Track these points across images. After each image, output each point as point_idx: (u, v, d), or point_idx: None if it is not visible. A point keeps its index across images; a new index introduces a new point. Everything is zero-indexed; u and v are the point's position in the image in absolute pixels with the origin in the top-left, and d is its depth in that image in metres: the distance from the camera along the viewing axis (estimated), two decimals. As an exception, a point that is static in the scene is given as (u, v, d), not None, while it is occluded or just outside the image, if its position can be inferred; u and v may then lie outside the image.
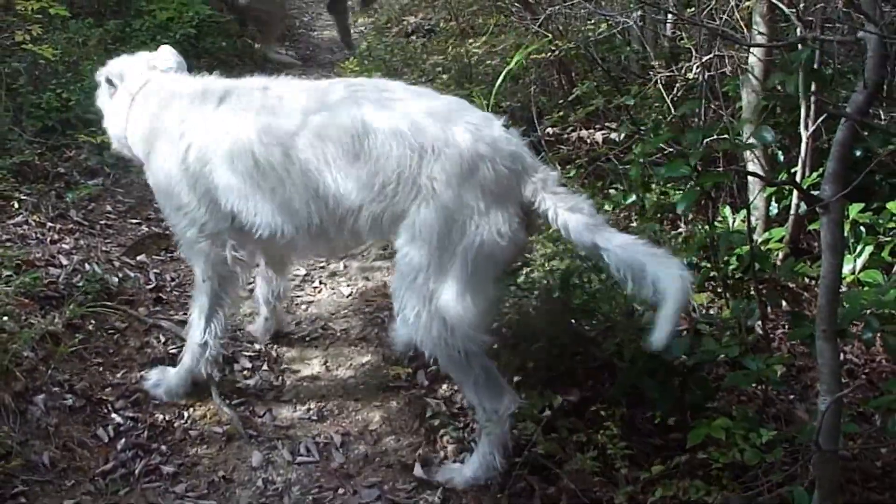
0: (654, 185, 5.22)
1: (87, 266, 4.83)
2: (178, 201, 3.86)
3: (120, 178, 6.09)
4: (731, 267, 4.46)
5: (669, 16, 6.50)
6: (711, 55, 5.38)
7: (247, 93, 3.82)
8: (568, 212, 3.40)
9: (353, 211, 3.58)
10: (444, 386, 4.25)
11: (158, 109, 3.97)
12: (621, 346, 3.95)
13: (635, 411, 3.84)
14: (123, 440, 3.81)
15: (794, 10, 4.48)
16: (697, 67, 5.43)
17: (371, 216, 3.56)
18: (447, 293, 3.43)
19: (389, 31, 9.73)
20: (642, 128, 5.48)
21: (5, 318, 4.00)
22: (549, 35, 5.92)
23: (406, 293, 3.50)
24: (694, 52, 5.73)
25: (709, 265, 4.41)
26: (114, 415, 3.94)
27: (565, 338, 4.08)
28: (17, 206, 5.24)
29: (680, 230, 5.22)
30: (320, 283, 5.27)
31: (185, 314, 4.62)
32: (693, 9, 5.76)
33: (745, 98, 4.96)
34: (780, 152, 5.31)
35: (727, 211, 5.03)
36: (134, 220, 5.76)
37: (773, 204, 5.07)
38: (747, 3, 5.26)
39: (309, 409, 4.17)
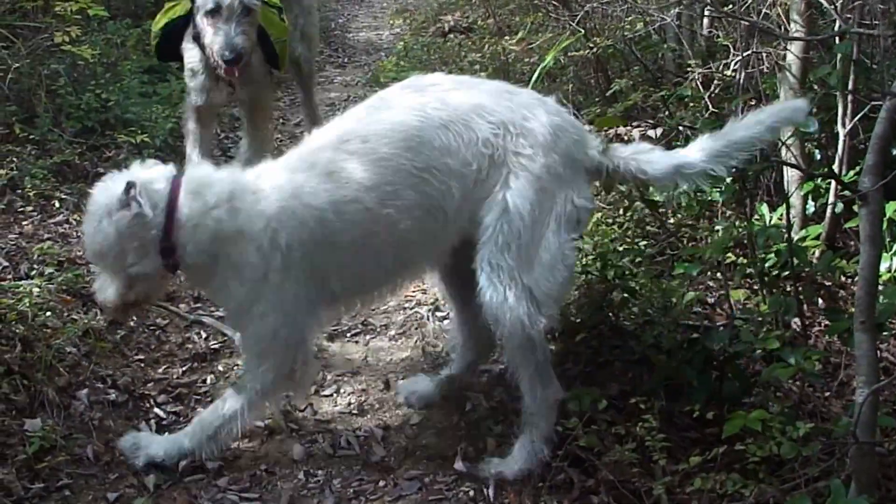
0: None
1: (127, 263, 4.86)
2: None
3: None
4: (767, 263, 4.43)
5: (706, 12, 6.46)
6: (749, 52, 5.33)
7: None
8: (639, 155, 3.51)
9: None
10: (483, 379, 4.24)
11: None
12: (659, 338, 3.94)
13: (672, 405, 3.80)
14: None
15: (833, 6, 4.43)
16: (736, 64, 5.38)
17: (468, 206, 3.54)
18: (538, 266, 3.45)
19: (426, 31, 9.72)
20: (682, 125, 5.44)
21: (48, 314, 4.03)
22: (583, 31, 5.88)
23: (494, 270, 3.47)
24: (732, 49, 5.69)
25: (745, 261, 4.37)
26: (156, 409, 3.96)
27: (604, 330, 4.07)
28: (57, 205, 5.29)
29: (716, 227, 5.18)
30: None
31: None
32: (731, 6, 5.70)
33: (782, 95, 4.91)
34: (816, 150, 5.27)
35: (764, 208, 5.01)
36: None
37: (810, 202, 5.03)
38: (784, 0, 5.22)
39: (349, 404, 4.17)
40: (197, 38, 5.25)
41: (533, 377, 3.58)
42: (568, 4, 6.78)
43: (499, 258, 3.45)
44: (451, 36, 9.05)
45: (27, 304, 3.97)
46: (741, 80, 5.41)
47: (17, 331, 3.87)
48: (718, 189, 4.91)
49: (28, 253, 4.66)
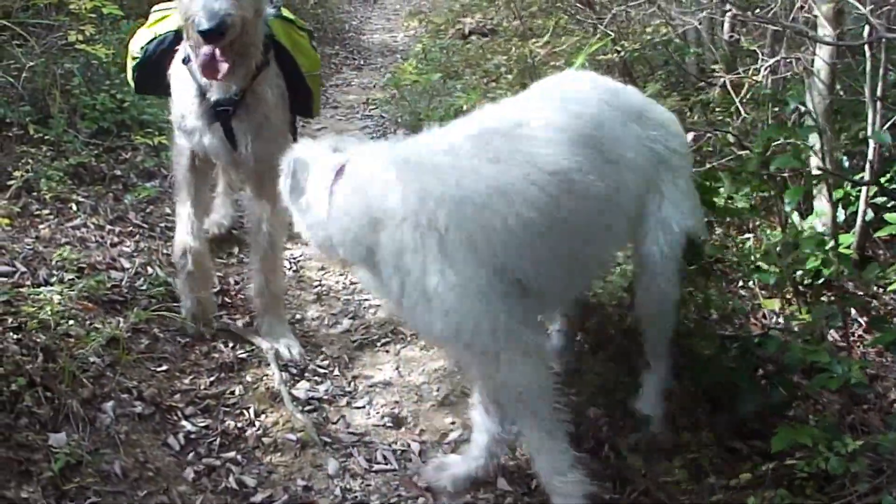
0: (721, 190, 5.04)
1: (149, 269, 4.70)
2: None
3: (177, 180, 5.93)
4: (800, 272, 4.30)
5: (727, 17, 6.33)
6: (778, 58, 5.19)
7: None
8: None
9: None
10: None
11: None
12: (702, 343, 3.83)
13: (718, 418, 3.69)
14: (195, 449, 3.66)
15: (864, 11, 4.28)
16: (765, 70, 5.24)
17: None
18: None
19: (445, 34, 9.53)
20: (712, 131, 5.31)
21: (71, 323, 3.86)
22: (612, 35, 5.74)
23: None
24: (760, 54, 5.54)
25: (778, 269, 4.22)
26: (184, 422, 3.78)
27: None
28: (75, 208, 5.11)
29: (747, 236, 5.03)
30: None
31: (251, 318, 4.51)
32: (758, 10, 5.56)
33: (810, 102, 4.76)
34: (844, 157, 5.13)
35: (795, 217, 4.87)
36: (193, 223, 5.59)
37: (840, 210, 4.88)
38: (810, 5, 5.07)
39: (383, 416, 4.01)
40: (188, 62, 4.00)
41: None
42: (593, 7, 6.64)
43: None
44: (475, 38, 8.87)
45: (49, 313, 3.79)
46: (768, 86, 5.28)
47: (39, 340, 3.69)
48: (748, 196, 4.80)
49: (46, 258, 4.48)
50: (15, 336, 3.68)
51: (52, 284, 4.23)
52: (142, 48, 4.33)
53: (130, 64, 4.45)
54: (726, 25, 6.48)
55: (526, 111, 3.27)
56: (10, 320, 3.77)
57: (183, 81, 4.05)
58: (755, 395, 3.58)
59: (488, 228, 2.96)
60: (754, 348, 3.78)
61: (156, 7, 4.49)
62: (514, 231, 2.99)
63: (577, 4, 6.97)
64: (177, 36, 4.13)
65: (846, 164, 5.18)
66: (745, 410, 3.57)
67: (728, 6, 6.18)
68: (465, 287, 2.94)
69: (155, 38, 4.29)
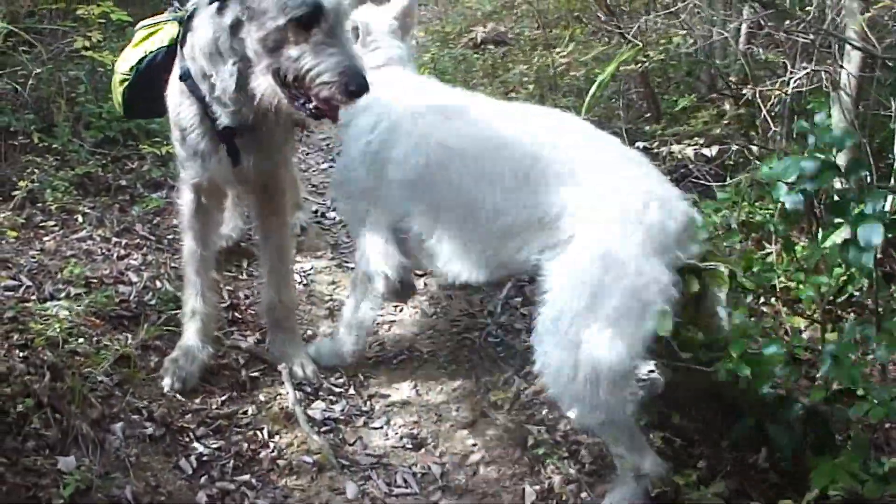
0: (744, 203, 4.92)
1: (157, 283, 4.57)
2: None
3: (184, 191, 5.79)
4: (824, 289, 4.16)
5: (744, 28, 6.21)
6: (808, 69, 5.06)
7: None
8: None
9: None
10: (545, 411, 3.94)
11: None
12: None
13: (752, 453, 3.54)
14: (208, 472, 3.52)
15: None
16: (795, 82, 5.12)
17: None
18: None
19: (455, 43, 9.37)
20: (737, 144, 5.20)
21: (80, 341, 3.71)
22: (640, 44, 5.61)
23: None
24: (788, 67, 5.41)
25: (802, 285, 4.08)
26: (196, 444, 3.63)
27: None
28: (80, 220, 4.98)
29: (768, 250, 4.89)
30: (402, 301, 4.96)
31: (263, 334, 4.38)
32: (788, 21, 5.43)
33: (835, 116, 4.64)
34: (866, 172, 5.00)
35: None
36: (201, 235, 5.46)
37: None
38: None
39: (402, 437, 3.88)
40: (187, 77, 3.68)
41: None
42: (614, 15, 6.52)
43: None
44: (491, 47, 8.71)
45: (57, 330, 3.65)
46: (787, 101, 5.16)
47: (46, 358, 3.55)
48: (770, 211, 4.67)
49: (51, 271, 4.35)
50: (21, 354, 3.55)
51: (58, 299, 4.10)
52: (131, 68, 4.05)
53: (119, 87, 4.15)
54: (742, 37, 6.35)
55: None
56: (16, 337, 3.64)
57: (184, 100, 3.76)
58: (790, 445, 3.43)
59: None
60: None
61: (140, 25, 4.19)
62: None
63: (598, 14, 6.84)
64: (169, 52, 3.91)
65: (869, 179, 5.05)
66: (781, 453, 3.42)
67: (746, 17, 6.06)
68: None
69: (145, 55, 4.02)
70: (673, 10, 6.29)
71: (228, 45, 3.47)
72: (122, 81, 4.08)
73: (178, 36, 3.81)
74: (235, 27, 3.42)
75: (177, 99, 3.79)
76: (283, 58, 3.33)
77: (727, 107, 6.15)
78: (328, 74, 3.27)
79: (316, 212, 6.03)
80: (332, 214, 5.91)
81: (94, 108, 5.90)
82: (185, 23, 3.72)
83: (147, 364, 3.94)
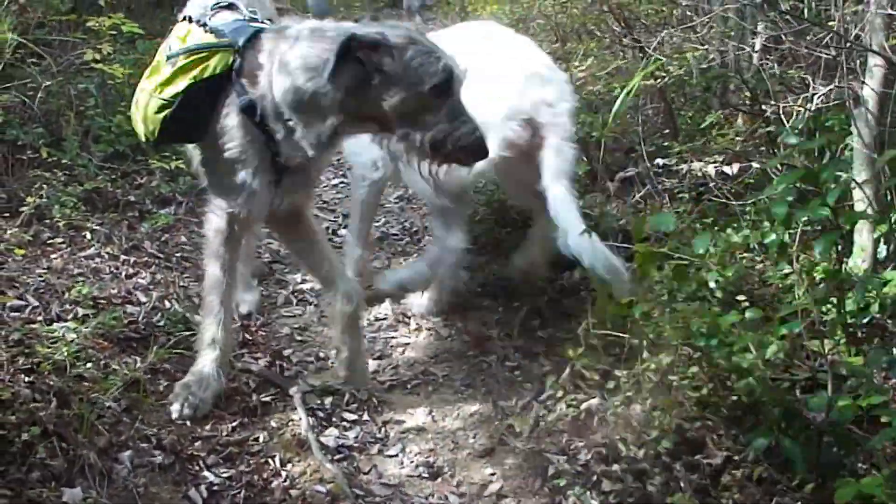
0: (764, 223, 4.80)
1: (166, 303, 4.47)
2: None
3: (194, 207, 5.68)
4: (848, 311, 4.05)
5: (758, 43, 6.11)
6: (832, 86, 4.95)
7: None
8: None
9: None
10: (566, 438, 3.82)
11: None
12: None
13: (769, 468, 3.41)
14: (219, 502, 3.40)
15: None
16: (819, 98, 5.01)
17: None
18: None
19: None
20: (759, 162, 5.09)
21: (88, 365, 3.60)
22: (662, 59, 5.51)
23: None
24: (810, 82, 5.30)
25: (824, 309, 3.96)
26: (206, 473, 3.51)
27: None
28: (88, 237, 4.89)
29: (788, 270, 4.77)
30: (416, 324, 4.84)
31: (273, 357, 4.28)
32: (809, 36, 5.33)
33: (856, 132, 4.53)
34: (887, 192, 4.89)
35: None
36: (210, 253, 5.35)
37: (882, 246, 4.63)
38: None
39: (418, 466, 3.76)
40: (251, 111, 3.59)
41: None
42: (631, 29, 6.41)
43: None
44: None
45: (64, 353, 3.55)
46: (808, 117, 5.05)
47: (52, 383, 3.46)
48: (790, 232, 4.55)
49: (58, 290, 4.26)
50: (27, 379, 3.45)
51: (65, 320, 4.01)
52: (175, 95, 3.70)
53: (156, 113, 3.76)
54: (757, 53, 6.23)
55: None
56: (21, 361, 3.54)
57: (243, 134, 3.66)
58: (804, 460, 3.34)
59: None
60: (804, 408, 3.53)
61: (178, 47, 3.80)
62: None
63: (613, 28, 6.73)
64: (221, 80, 3.68)
65: (889, 197, 4.94)
66: (797, 470, 3.33)
67: (766, 31, 5.97)
68: None
69: (194, 83, 3.68)
70: (690, 24, 6.21)
71: (335, 103, 3.45)
72: (162, 108, 3.74)
73: (232, 64, 3.67)
74: (354, 88, 3.40)
75: (235, 132, 3.67)
76: (418, 122, 3.41)
77: (740, 122, 6.04)
78: (463, 140, 3.41)
79: (328, 229, 5.93)
80: (343, 232, 5.79)
81: (103, 121, 5.82)
82: (244, 52, 3.65)
83: (156, 388, 3.84)
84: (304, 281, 5.23)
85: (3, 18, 5.51)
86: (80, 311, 4.10)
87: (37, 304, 4.10)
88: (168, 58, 3.76)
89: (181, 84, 3.69)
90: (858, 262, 4.49)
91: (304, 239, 4.14)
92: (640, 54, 6.15)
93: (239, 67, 3.64)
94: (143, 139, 3.99)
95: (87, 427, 3.34)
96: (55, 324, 3.94)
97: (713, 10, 6.17)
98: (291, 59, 3.47)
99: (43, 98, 5.58)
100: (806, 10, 5.57)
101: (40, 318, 4.00)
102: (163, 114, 3.73)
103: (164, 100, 3.71)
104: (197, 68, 3.67)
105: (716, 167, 5.32)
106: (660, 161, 5.35)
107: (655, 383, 3.58)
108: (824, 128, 4.90)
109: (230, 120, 3.67)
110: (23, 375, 3.45)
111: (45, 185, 5.06)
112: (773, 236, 4.04)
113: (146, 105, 3.80)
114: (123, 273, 4.70)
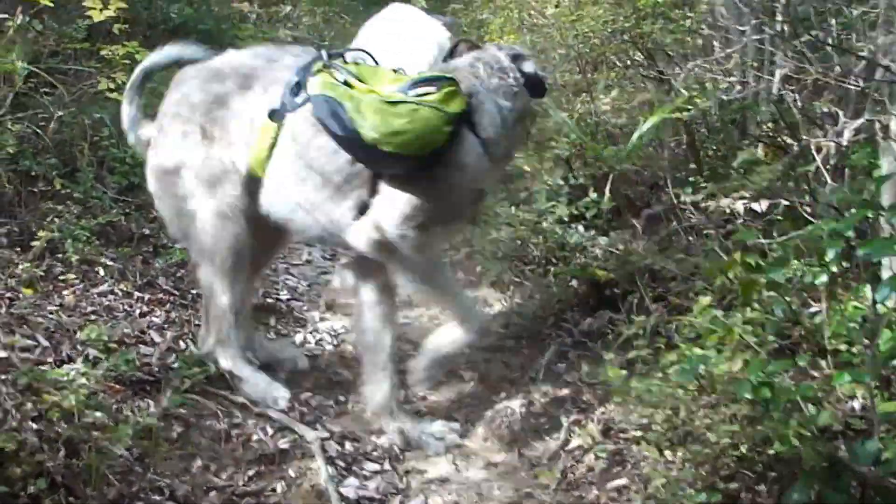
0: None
1: (181, 343, 4.33)
2: None
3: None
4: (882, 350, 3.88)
5: (777, 75, 5.96)
6: (863, 119, 4.81)
7: None
8: None
9: None
10: (595, 491, 3.66)
11: None
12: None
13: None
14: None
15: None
16: (851, 132, 4.86)
17: None
18: None
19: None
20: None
21: (98, 414, 3.44)
22: (687, 94, 5.37)
23: None
24: (841, 115, 5.15)
25: (853, 350, 3.79)
26: (221, 527, 3.37)
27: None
28: (101, 272, 4.76)
29: (815, 309, 4.60)
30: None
31: (292, 400, 4.14)
32: (839, 68, 5.19)
33: (885, 167, 4.38)
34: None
35: (867, 289, 4.43)
36: (225, 290, 5.20)
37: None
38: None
39: (441, 520, 3.60)
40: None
41: None
42: (654, 60, 6.29)
43: None
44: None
45: (73, 401, 3.39)
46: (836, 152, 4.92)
47: (61, 431, 3.30)
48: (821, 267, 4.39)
49: (70, 330, 4.12)
50: (35, 426, 3.28)
51: (75, 362, 3.86)
52: (456, 115, 3.67)
53: (443, 126, 3.63)
54: (775, 86, 6.08)
55: None
56: (29, 406, 3.38)
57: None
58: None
59: None
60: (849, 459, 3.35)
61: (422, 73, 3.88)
62: None
63: (635, 58, 6.60)
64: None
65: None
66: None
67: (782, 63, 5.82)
68: None
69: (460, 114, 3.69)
70: (713, 57, 6.08)
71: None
72: (448, 122, 3.64)
73: (466, 111, 3.70)
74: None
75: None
76: None
77: (760, 152, 5.89)
78: None
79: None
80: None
81: (117, 152, 5.69)
82: (474, 98, 3.75)
83: (169, 436, 3.69)
84: (322, 319, 5.08)
85: (14, 47, 5.40)
86: (92, 353, 3.96)
87: (47, 344, 3.97)
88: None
89: (458, 108, 3.66)
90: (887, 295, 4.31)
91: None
92: (663, 85, 6.01)
93: (470, 114, 3.74)
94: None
95: (96, 478, 3.18)
96: (65, 366, 3.80)
97: (734, 40, 6.04)
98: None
99: (56, 128, 5.47)
100: (830, 39, 5.43)
101: (50, 359, 3.87)
102: (447, 128, 3.62)
103: (452, 113, 3.64)
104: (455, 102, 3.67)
105: (745, 204, 5.17)
106: (686, 198, 5.20)
107: (696, 437, 3.40)
108: (851, 164, 4.78)
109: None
110: (31, 423, 3.29)
111: (57, 218, 4.94)
112: (824, 277, 3.90)
113: (429, 114, 3.60)
114: (137, 311, 4.57)
